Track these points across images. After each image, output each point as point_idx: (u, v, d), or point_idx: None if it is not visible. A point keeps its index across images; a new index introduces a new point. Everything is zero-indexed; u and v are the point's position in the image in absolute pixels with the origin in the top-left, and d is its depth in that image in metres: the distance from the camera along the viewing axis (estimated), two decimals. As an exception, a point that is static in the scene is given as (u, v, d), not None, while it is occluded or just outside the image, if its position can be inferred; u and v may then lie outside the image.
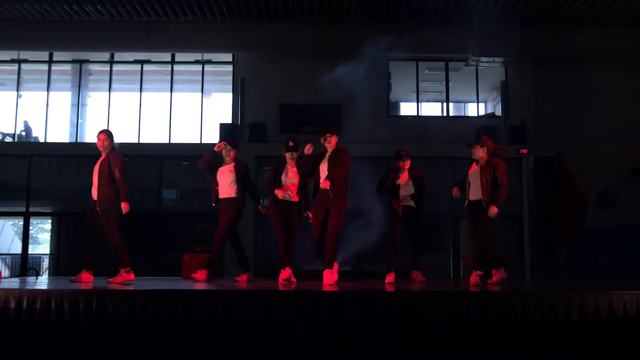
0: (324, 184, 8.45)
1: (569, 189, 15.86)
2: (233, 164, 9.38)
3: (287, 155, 9.16)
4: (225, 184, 9.27)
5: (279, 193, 8.95)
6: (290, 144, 9.17)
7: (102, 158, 8.56)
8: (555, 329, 6.15)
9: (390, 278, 8.79)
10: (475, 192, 8.82)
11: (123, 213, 8.43)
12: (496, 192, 8.57)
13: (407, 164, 9.36)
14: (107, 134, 8.67)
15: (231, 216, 9.20)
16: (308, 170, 8.90)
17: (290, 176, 9.09)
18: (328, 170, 8.57)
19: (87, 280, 8.47)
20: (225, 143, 9.53)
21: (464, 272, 12.54)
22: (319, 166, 8.77)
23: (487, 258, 8.95)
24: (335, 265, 8.58)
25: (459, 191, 9.21)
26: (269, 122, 17.04)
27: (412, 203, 9.37)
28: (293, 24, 17.53)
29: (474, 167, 8.96)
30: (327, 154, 8.76)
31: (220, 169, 9.38)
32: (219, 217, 9.33)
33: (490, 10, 16.54)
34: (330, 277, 8.33)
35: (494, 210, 8.50)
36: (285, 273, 9.01)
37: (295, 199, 9.09)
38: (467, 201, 9.03)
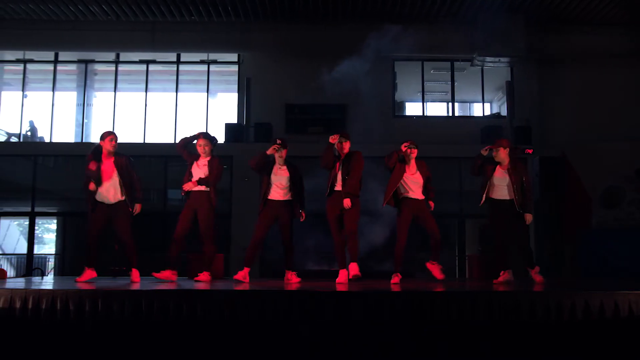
0: (346, 203, 8.53)
1: (574, 189, 15.85)
2: (208, 159, 9.18)
3: (276, 154, 9.09)
4: (198, 177, 9.09)
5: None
6: (278, 141, 9.12)
7: (112, 159, 8.82)
8: (560, 329, 6.14)
9: (395, 279, 8.77)
10: (500, 192, 9.07)
11: (135, 213, 8.87)
12: (529, 201, 9.06)
13: (414, 152, 9.15)
14: (116, 135, 8.94)
15: (207, 211, 9.06)
16: (330, 162, 8.83)
17: (279, 174, 9.01)
18: (342, 174, 8.68)
19: (91, 276, 8.63)
20: (203, 133, 9.34)
21: (469, 272, 12.51)
22: (333, 169, 8.82)
23: (499, 258, 9.20)
24: (344, 271, 8.66)
25: (486, 150, 9.27)
26: (274, 122, 17.04)
27: (420, 196, 9.11)
28: (299, 24, 17.57)
29: (499, 169, 9.11)
30: (341, 158, 8.82)
31: (196, 162, 9.18)
32: (185, 207, 9.15)
33: (495, 10, 16.54)
34: (356, 270, 8.45)
35: (530, 217, 9.08)
36: (244, 272, 8.89)
37: (287, 197, 9.01)
38: (484, 199, 9.14)
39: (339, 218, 8.72)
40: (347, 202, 8.54)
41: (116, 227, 8.80)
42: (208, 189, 9.05)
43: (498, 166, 9.13)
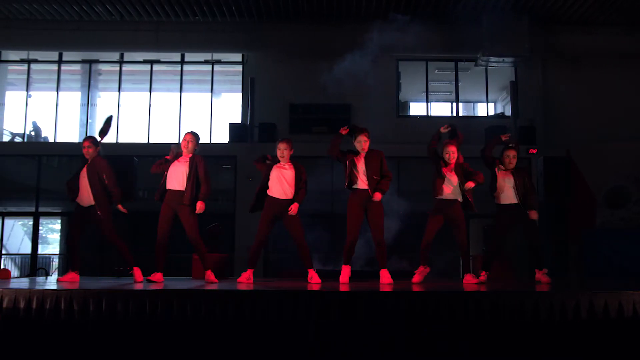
0: (376, 197, 8.48)
1: (578, 189, 15.83)
2: (190, 156, 8.82)
3: (278, 152, 8.88)
4: (179, 175, 8.74)
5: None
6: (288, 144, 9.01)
7: (87, 165, 8.84)
8: (564, 329, 6.12)
9: (417, 275, 8.74)
10: (510, 197, 9.02)
11: (124, 212, 8.94)
12: (535, 199, 9.04)
13: (453, 149, 9.09)
14: (91, 141, 8.95)
15: (188, 211, 8.70)
16: (336, 151, 8.75)
17: (283, 171, 8.80)
18: (368, 172, 8.59)
19: (73, 280, 8.63)
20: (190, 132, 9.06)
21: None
22: (354, 165, 8.68)
23: (488, 259, 9.40)
24: (347, 268, 8.64)
25: (507, 137, 9.35)
26: (278, 122, 17.05)
27: (457, 197, 9.02)
28: (303, 24, 17.57)
29: (505, 174, 9.11)
30: (362, 155, 8.72)
31: (177, 160, 8.83)
32: (163, 208, 8.83)
33: (499, 10, 16.54)
34: (388, 277, 8.45)
35: (536, 214, 9.03)
36: (248, 274, 8.72)
37: (290, 196, 8.72)
38: (500, 204, 9.11)
39: (361, 216, 8.63)
40: (378, 195, 8.49)
41: (100, 230, 8.83)
42: (183, 188, 8.68)
43: (503, 171, 9.10)
